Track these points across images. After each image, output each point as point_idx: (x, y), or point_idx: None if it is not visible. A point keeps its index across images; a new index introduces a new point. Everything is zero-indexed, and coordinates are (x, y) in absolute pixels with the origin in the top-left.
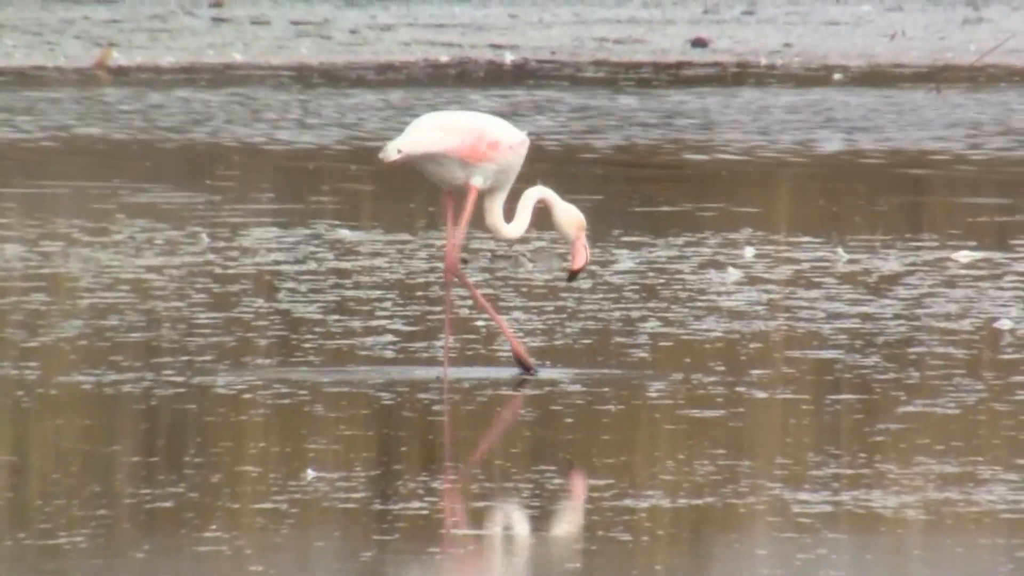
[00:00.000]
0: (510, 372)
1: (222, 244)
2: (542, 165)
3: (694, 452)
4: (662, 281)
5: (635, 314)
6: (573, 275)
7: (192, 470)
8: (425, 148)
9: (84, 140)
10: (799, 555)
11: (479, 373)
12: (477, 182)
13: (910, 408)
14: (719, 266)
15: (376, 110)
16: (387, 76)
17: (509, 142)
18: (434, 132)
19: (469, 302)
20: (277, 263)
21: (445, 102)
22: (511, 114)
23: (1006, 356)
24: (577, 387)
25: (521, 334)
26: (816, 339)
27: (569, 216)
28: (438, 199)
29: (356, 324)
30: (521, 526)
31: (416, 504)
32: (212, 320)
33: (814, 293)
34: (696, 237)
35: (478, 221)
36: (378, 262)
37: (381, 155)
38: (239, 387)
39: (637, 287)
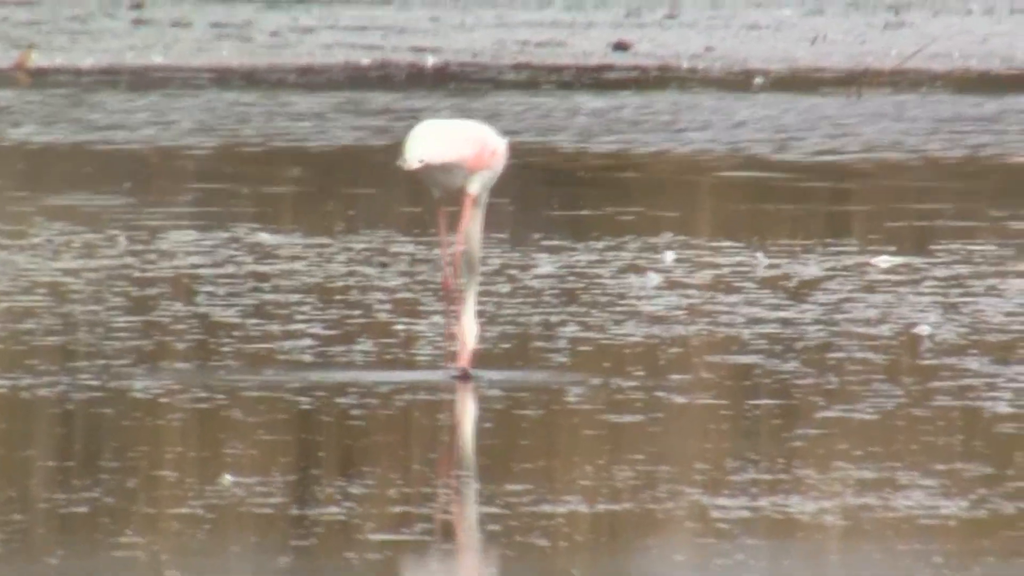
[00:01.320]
0: (429, 376)
1: (140, 247)
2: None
3: (613, 457)
4: (582, 285)
5: (555, 318)
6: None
7: (108, 475)
8: (443, 158)
9: (2, 142)
10: (717, 560)
11: (397, 377)
12: (475, 189)
13: (829, 413)
14: (639, 271)
15: (296, 115)
16: (308, 79)
17: (502, 149)
18: (449, 141)
19: (387, 306)
20: (195, 266)
21: (380, 107)
22: (427, 118)
23: (925, 361)
24: (496, 392)
25: (440, 339)
26: (735, 344)
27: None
28: (356, 203)
29: (275, 328)
30: (438, 532)
31: (334, 509)
32: (130, 323)
33: (734, 298)
34: (616, 241)
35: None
36: (297, 266)
37: (402, 164)
38: (156, 391)
39: (557, 291)
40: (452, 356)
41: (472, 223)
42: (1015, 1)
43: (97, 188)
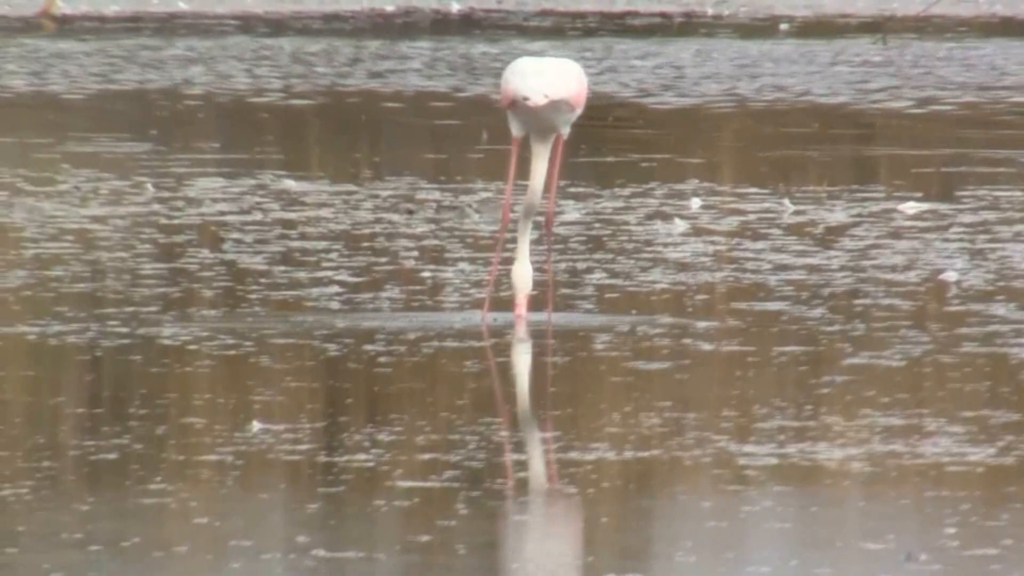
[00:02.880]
0: (456, 323)
1: (167, 194)
2: (488, 117)
3: (640, 404)
4: (608, 232)
5: (581, 265)
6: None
7: (137, 422)
8: (564, 93)
9: (29, 90)
10: (744, 507)
11: (425, 324)
12: (566, 130)
13: (856, 360)
14: (665, 217)
15: (321, 57)
16: (333, 25)
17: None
18: (564, 77)
19: (414, 253)
20: (222, 214)
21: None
22: (461, 67)
23: (952, 308)
24: (523, 339)
25: (467, 285)
26: (762, 291)
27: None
28: (380, 149)
29: (302, 275)
30: (467, 479)
31: (362, 456)
32: (157, 271)
33: (760, 244)
34: (642, 188)
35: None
36: (324, 213)
37: (529, 100)
38: (184, 338)
39: (583, 238)
40: (486, 300)
41: (543, 168)
42: None
43: (122, 135)
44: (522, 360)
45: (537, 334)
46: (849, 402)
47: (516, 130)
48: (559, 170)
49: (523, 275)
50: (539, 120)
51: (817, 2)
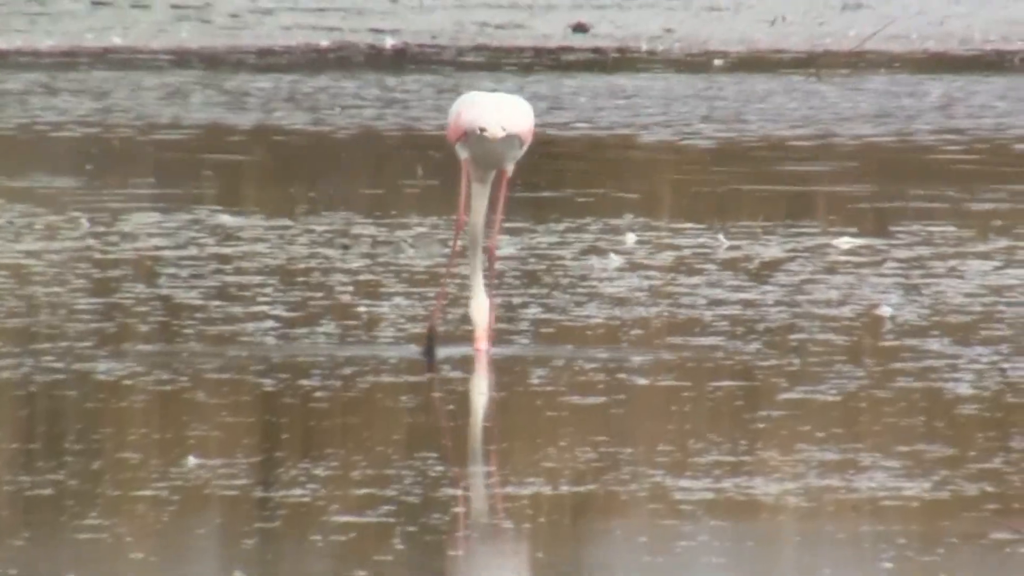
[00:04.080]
0: (392, 358)
1: (102, 229)
2: (423, 152)
3: (576, 439)
4: (543, 267)
5: (516, 300)
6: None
7: (72, 457)
8: (519, 127)
9: None
10: (680, 542)
11: (362, 357)
12: (511, 167)
13: (791, 395)
14: (601, 252)
15: (258, 92)
16: (267, 60)
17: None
18: (519, 112)
19: (349, 287)
20: (158, 248)
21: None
22: (391, 101)
23: (886, 343)
24: (458, 373)
25: (403, 320)
26: (697, 325)
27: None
28: (316, 184)
29: (237, 309)
30: (403, 514)
31: (298, 491)
32: (92, 305)
33: (695, 279)
34: (577, 223)
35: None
36: (259, 247)
37: (487, 132)
38: (119, 373)
39: (518, 273)
40: (428, 333)
41: (482, 206)
42: None
43: (58, 170)
44: (458, 395)
45: (472, 369)
46: (785, 437)
47: (463, 153)
48: (504, 206)
49: (481, 309)
50: (489, 155)
51: (750, 38)
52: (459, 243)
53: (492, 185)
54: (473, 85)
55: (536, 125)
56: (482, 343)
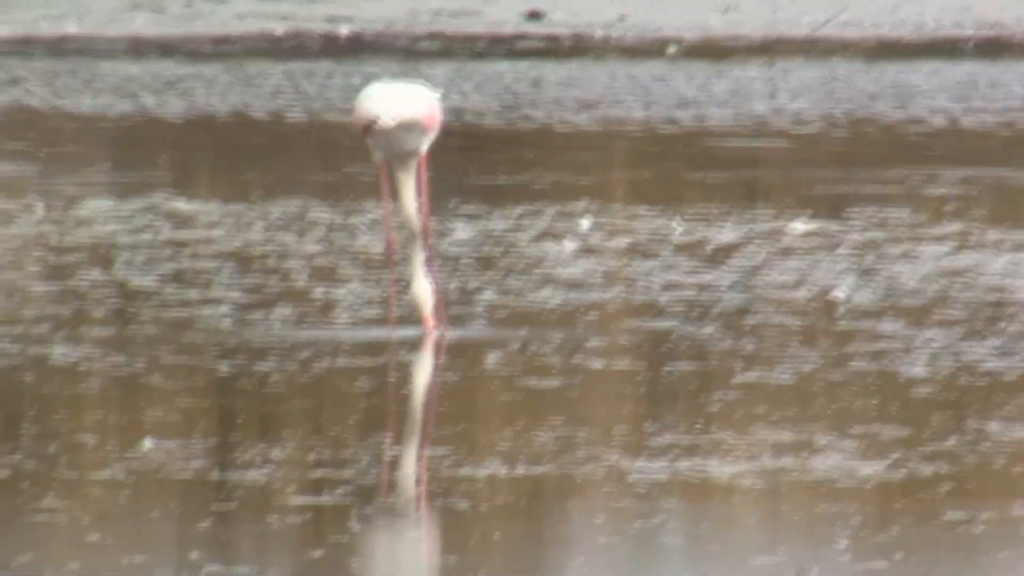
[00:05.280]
0: (348, 341)
1: (57, 215)
2: None
3: (531, 421)
4: (499, 252)
5: (472, 284)
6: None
7: (28, 440)
8: (412, 115)
9: None
10: (636, 523)
11: (315, 341)
12: (423, 150)
13: (746, 377)
14: (556, 237)
15: (212, 79)
16: (222, 48)
17: (440, 112)
18: (414, 101)
19: (307, 272)
20: (113, 234)
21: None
22: (350, 88)
23: (841, 326)
24: (414, 357)
25: (358, 304)
26: (652, 309)
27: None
28: (271, 169)
29: (193, 294)
30: (359, 495)
31: (254, 473)
32: (47, 290)
33: (650, 263)
34: (533, 208)
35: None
36: (214, 232)
37: (375, 120)
38: (75, 357)
39: (474, 257)
40: (398, 316)
41: (409, 194)
42: None
43: (13, 156)
44: (414, 377)
45: (428, 352)
46: (740, 418)
47: (377, 156)
48: (426, 187)
49: (421, 292)
50: (393, 143)
51: (705, 25)
52: (390, 231)
53: (413, 172)
54: (426, 73)
55: (488, 110)
56: (429, 324)
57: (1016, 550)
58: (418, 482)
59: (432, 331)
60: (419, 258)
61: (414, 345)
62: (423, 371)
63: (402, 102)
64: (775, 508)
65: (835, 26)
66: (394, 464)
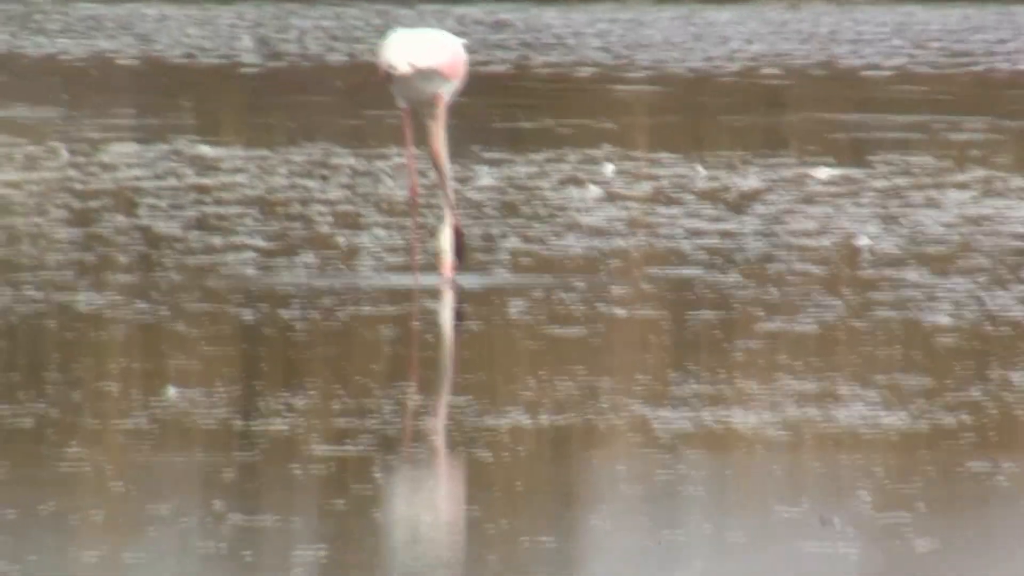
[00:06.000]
0: (372, 288)
1: (82, 159)
2: None
3: (554, 369)
4: (522, 198)
5: (495, 231)
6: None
7: (52, 387)
8: (430, 63)
9: None
10: (659, 471)
11: (338, 288)
12: (446, 95)
13: (769, 325)
14: (579, 183)
15: (230, 26)
16: None
17: (465, 59)
18: (433, 48)
19: (330, 218)
20: (137, 179)
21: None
22: (362, 29)
23: (864, 273)
24: (437, 304)
25: (382, 251)
26: (676, 256)
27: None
28: (294, 115)
29: (217, 240)
30: (381, 445)
31: (277, 422)
32: (72, 236)
33: (673, 210)
34: (556, 154)
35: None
36: (239, 178)
37: (391, 68)
38: (99, 304)
39: (497, 204)
40: (418, 263)
41: (439, 135)
42: None
43: (37, 100)
44: (437, 326)
45: (452, 299)
46: (762, 367)
47: (400, 101)
48: (445, 136)
49: (443, 237)
50: (412, 90)
51: None
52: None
53: (441, 118)
54: (455, 13)
55: (510, 58)
56: (446, 270)
57: None
58: (441, 431)
59: (448, 277)
60: (449, 206)
61: (436, 293)
62: (446, 319)
63: (421, 49)
64: (798, 458)
65: None
66: (417, 413)
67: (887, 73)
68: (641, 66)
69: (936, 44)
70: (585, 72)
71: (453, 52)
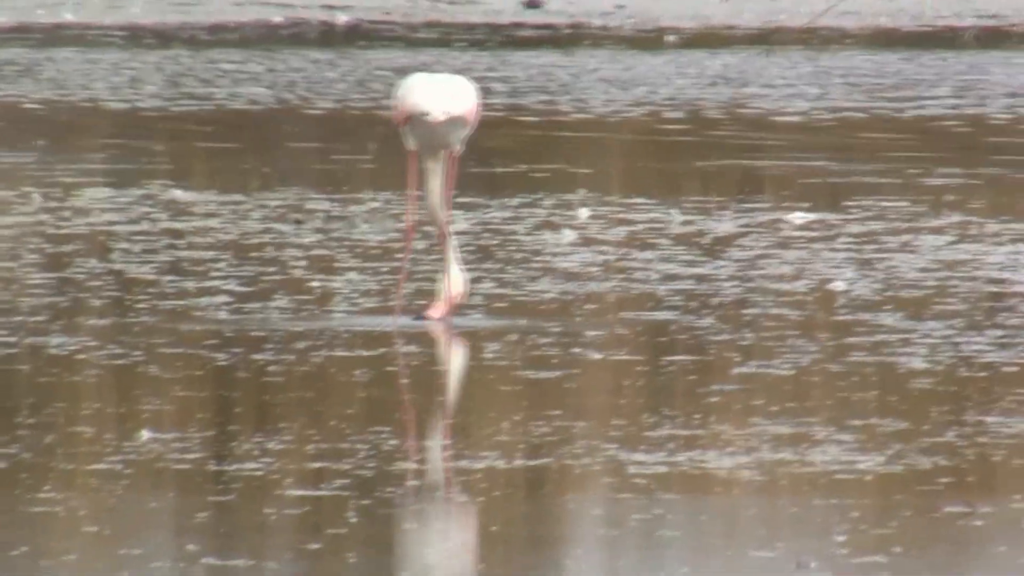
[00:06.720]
0: (345, 332)
1: (55, 204)
2: (376, 128)
3: (530, 413)
4: (497, 242)
5: (470, 275)
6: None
7: (26, 431)
8: (461, 109)
9: None
10: (635, 515)
11: (313, 331)
12: (459, 145)
13: (745, 369)
14: (554, 227)
15: (210, 68)
16: (220, 36)
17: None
18: (461, 94)
19: (303, 262)
20: (110, 223)
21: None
22: (343, 77)
23: (840, 317)
24: (412, 347)
25: (356, 295)
26: (651, 300)
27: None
28: (271, 160)
29: (190, 284)
30: (357, 487)
31: (251, 465)
32: (45, 280)
33: (648, 254)
34: (531, 198)
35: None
36: (212, 223)
37: (428, 116)
38: (72, 347)
39: (472, 248)
40: (398, 305)
41: (437, 185)
42: None
43: (11, 144)
44: (411, 369)
45: (427, 343)
46: (738, 410)
47: (411, 144)
48: (452, 185)
49: (456, 281)
50: (435, 136)
51: (703, 13)
52: (411, 219)
53: (444, 165)
54: (426, 62)
55: (488, 101)
56: (435, 311)
57: (1015, 544)
58: (416, 474)
59: (435, 318)
60: (451, 249)
61: (412, 336)
62: (421, 362)
63: (450, 97)
64: (774, 501)
65: (834, 15)
66: (392, 456)
67: (861, 117)
68: (616, 109)
69: (893, 91)
70: (563, 117)
71: (473, 98)
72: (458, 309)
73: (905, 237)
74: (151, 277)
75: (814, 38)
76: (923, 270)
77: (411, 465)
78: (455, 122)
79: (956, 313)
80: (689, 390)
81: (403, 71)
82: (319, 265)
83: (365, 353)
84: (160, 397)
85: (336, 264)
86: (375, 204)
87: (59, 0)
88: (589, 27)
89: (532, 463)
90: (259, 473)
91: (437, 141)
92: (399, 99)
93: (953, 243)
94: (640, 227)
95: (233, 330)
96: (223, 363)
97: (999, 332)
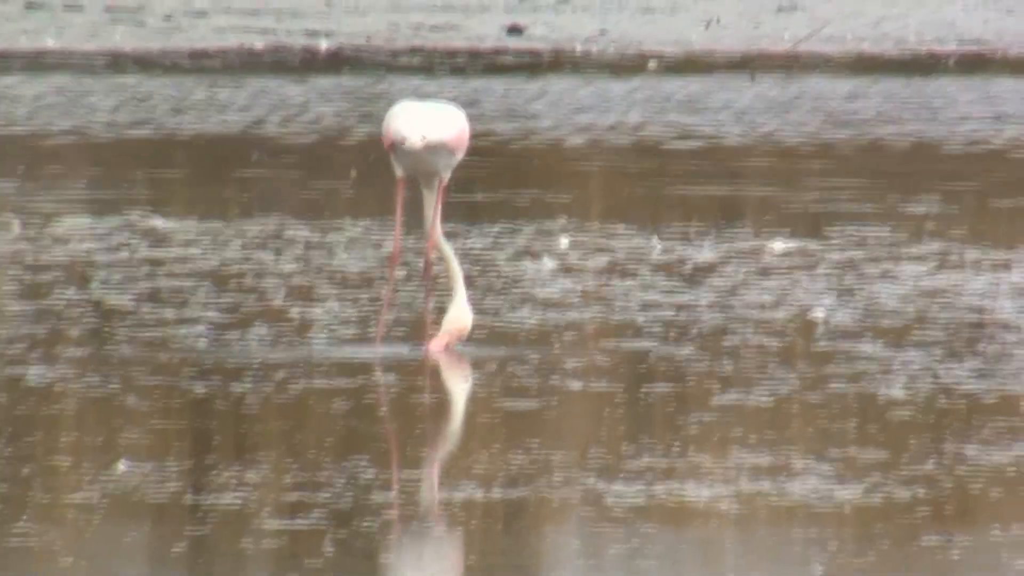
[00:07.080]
0: (325, 362)
1: (34, 233)
2: (357, 155)
3: (508, 443)
4: (476, 270)
5: (449, 303)
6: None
7: (2, 462)
8: (442, 136)
9: None
10: (613, 547)
11: (292, 361)
12: (447, 173)
13: (724, 398)
14: (534, 255)
15: (189, 94)
16: (201, 63)
17: (468, 132)
18: (444, 121)
19: (282, 291)
20: (89, 252)
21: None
22: (325, 103)
23: (820, 346)
24: (391, 377)
25: (335, 323)
26: (630, 329)
27: (457, 315)
28: (251, 188)
29: (169, 313)
30: (335, 519)
31: (229, 496)
32: (23, 309)
33: (628, 282)
34: (511, 226)
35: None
36: (191, 251)
37: (403, 140)
38: (50, 378)
39: None
40: (380, 335)
41: (430, 206)
42: None
43: None
44: (390, 399)
45: (406, 372)
46: (717, 440)
47: (399, 171)
48: (441, 213)
49: (462, 314)
50: (419, 163)
51: (685, 40)
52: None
53: (436, 190)
54: (407, 88)
55: (470, 127)
56: (434, 343)
57: (993, 575)
58: (394, 505)
59: (429, 349)
60: (458, 279)
61: (392, 365)
62: (400, 392)
63: (431, 123)
64: (752, 532)
65: (816, 41)
66: (370, 487)
67: (843, 144)
68: (599, 137)
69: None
70: (543, 144)
71: (460, 126)
72: (461, 343)
73: (886, 265)
74: (130, 306)
75: (796, 64)
76: (903, 298)
77: (389, 496)
78: (437, 149)
79: (936, 342)
80: (668, 420)
81: (384, 97)
82: (298, 294)
83: (344, 383)
84: (138, 428)
85: (315, 292)
86: (355, 232)
87: (41, 26)
88: (571, 53)
89: (510, 493)
90: (237, 504)
91: (422, 168)
92: (385, 125)
93: (933, 271)
94: (620, 255)
95: (212, 360)
96: (201, 393)
97: (979, 361)
